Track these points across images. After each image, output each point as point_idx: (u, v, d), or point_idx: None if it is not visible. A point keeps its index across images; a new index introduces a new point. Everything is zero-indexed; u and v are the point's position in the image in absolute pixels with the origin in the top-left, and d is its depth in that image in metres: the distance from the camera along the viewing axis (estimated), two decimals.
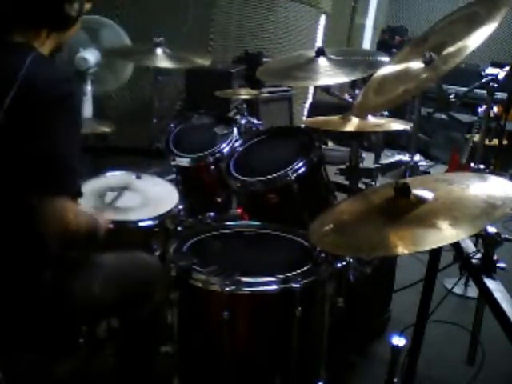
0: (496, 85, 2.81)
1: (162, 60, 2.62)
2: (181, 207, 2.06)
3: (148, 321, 1.68)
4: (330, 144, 3.97)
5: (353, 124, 1.96)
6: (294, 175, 1.97)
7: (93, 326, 1.71)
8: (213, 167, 2.37)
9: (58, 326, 1.46)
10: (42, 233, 1.38)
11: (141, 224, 1.91)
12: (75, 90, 1.39)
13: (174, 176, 2.40)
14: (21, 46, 1.34)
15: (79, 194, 1.37)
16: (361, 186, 2.13)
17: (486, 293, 1.25)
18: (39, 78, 1.30)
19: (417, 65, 1.52)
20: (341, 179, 2.17)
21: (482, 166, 2.86)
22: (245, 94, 2.82)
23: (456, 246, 1.41)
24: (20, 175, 1.31)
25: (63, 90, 1.32)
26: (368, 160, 2.24)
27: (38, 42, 1.37)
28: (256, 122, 2.64)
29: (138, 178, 2.16)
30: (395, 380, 1.45)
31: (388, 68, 1.72)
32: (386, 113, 2.23)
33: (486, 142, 2.97)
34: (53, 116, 1.29)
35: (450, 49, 1.44)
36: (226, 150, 2.36)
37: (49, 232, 1.34)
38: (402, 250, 1.16)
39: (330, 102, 3.62)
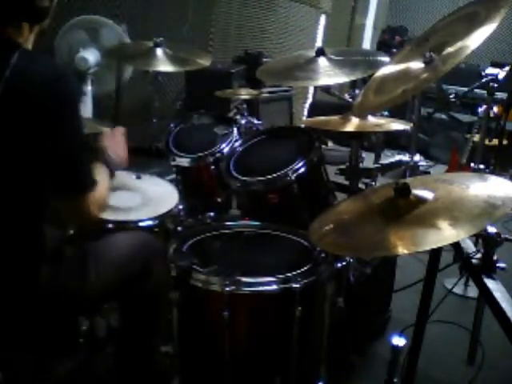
0: (496, 85, 2.81)
1: (162, 62, 2.61)
2: (181, 207, 2.06)
3: (147, 320, 1.69)
4: (330, 144, 3.97)
5: (353, 124, 1.96)
6: (294, 175, 1.97)
7: (93, 317, 1.71)
8: (213, 167, 2.36)
9: (58, 324, 1.46)
10: (39, 229, 1.39)
11: (141, 224, 1.91)
12: (69, 83, 1.36)
13: (174, 176, 2.40)
14: (4, 43, 1.30)
15: (94, 182, 1.41)
16: (361, 186, 2.13)
17: (485, 293, 1.25)
18: (28, 74, 1.27)
19: (417, 65, 1.52)
20: (341, 179, 2.16)
21: (482, 166, 2.86)
22: (245, 94, 2.82)
23: (456, 246, 1.41)
24: (25, 174, 1.31)
25: (55, 85, 1.29)
26: (368, 160, 2.24)
27: (21, 37, 1.34)
28: (256, 121, 2.64)
29: (138, 178, 2.16)
30: (395, 380, 1.46)
31: (388, 68, 1.72)
32: (385, 113, 2.23)
33: (486, 141, 2.97)
34: (50, 112, 1.28)
35: (450, 49, 1.44)
36: (226, 150, 2.35)
37: (74, 225, 1.50)
38: (402, 250, 1.16)
39: (330, 102, 3.63)
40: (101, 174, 1.52)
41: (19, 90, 1.26)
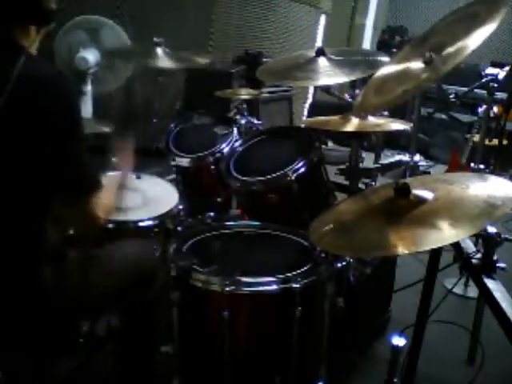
0: (496, 85, 2.81)
1: (162, 60, 2.61)
2: (181, 207, 2.06)
3: (148, 320, 1.69)
4: (330, 144, 3.97)
5: (353, 124, 1.96)
6: (294, 175, 1.97)
7: (94, 321, 1.71)
8: (213, 167, 2.36)
9: (58, 324, 1.47)
10: (40, 228, 1.39)
11: (141, 224, 1.91)
12: (72, 89, 1.38)
13: (174, 176, 2.40)
14: (10, 45, 1.31)
15: (99, 185, 1.41)
16: (361, 186, 2.13)
17: (485, 293, 1.25)
18: (33, 79, 1.28)
19: (417, 65, 1.52)
20: (341, 179, 2.16)
21: (482, 166, 2.87)
22: (245, 94, 2.82)
23: (456, 246, 1.41)
24: (27, 174, 1.31)
25: (60, 90, 1.31)
26: (368, 160, 2.24)
27: (27, 40, 1.34)
28: (256, 121, 2.64)
29: (138, 178, 2.16)
30: (395, 380, 1.46)
31: (388, 68, 1.72)
32: (385, 113, 2.23)
33: (486, 142, 2.97)
34: (54, 117, 1.29)
35: (450, 49, 1.44)
36: (226, 150, 2.36)
37: (79, 231, 1.47)
38: (402, 249, 1.16)
39: (330, 102, 3.63)
40: (109, 181, 1.53)
41: (24, 95, 1.26)
